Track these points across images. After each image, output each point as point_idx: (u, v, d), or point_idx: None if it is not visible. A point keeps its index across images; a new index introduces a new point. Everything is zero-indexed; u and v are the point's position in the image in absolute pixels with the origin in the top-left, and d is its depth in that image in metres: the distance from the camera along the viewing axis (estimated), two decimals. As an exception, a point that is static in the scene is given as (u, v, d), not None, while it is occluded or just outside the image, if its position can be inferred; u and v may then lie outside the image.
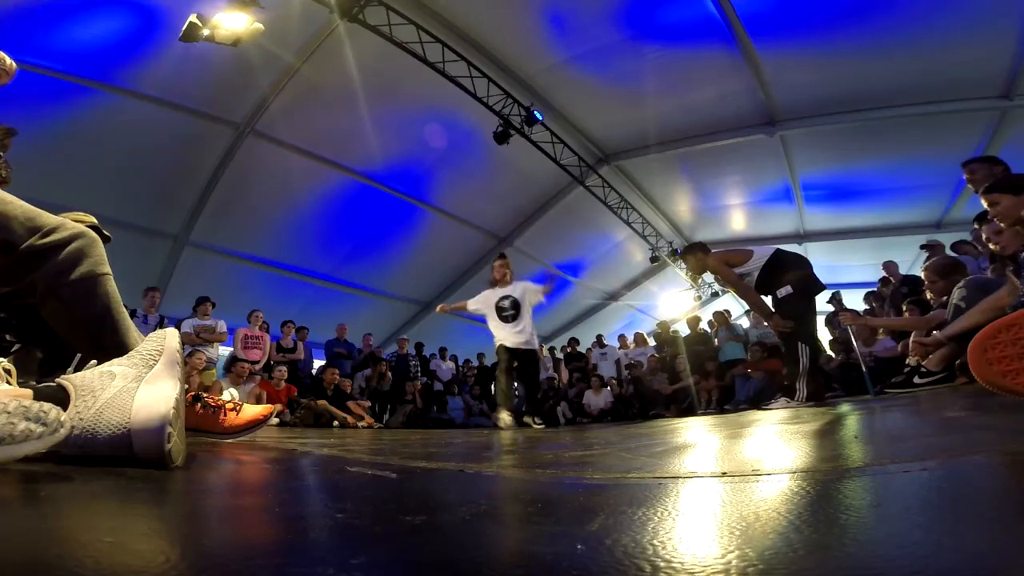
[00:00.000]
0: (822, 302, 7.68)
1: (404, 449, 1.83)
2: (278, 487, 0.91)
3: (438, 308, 5.83)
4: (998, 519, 0.45)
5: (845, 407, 2.84)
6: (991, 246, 2.71)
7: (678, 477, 0.86)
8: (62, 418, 0.70)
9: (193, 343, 6.01)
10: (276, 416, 5.40)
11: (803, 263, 4.08)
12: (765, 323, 7.51)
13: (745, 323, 8.53)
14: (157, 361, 0.89)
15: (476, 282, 10.48)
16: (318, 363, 8.00)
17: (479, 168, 8.39)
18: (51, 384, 0.83)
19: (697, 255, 4.32)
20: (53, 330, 1.23)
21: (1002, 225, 2.41)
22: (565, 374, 9.16)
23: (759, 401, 5.48)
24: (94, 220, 1.66)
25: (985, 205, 2.47)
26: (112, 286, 1.25)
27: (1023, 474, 0.68)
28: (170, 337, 0.94)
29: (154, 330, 0.97)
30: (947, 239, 5.87)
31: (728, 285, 4.28)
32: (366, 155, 7.70)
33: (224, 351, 6.95)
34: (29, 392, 0.80)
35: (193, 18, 5.03)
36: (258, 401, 5.63)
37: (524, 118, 7.20)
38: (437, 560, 0.40)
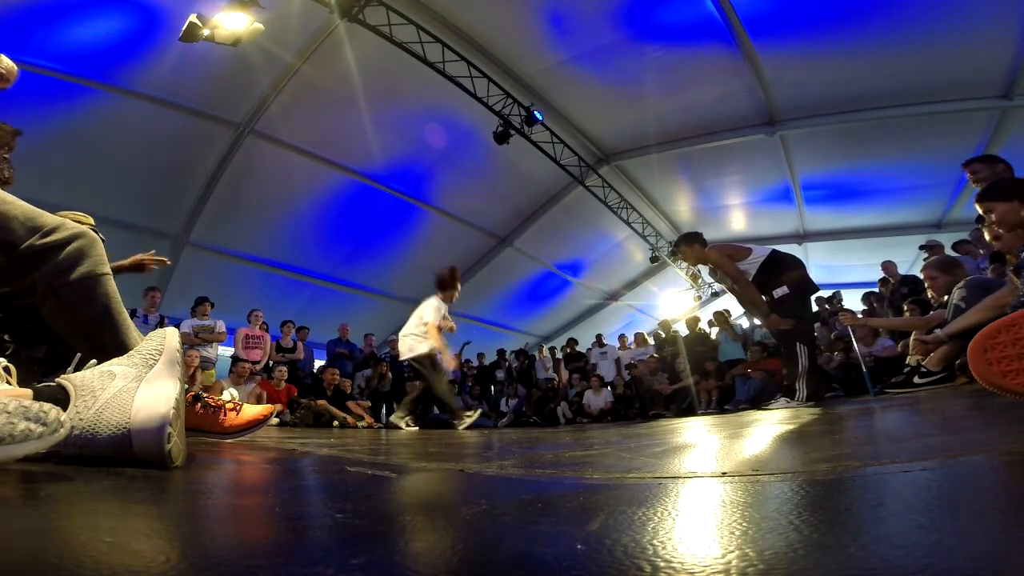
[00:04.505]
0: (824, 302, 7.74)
1: (404, 449, 1.83)
2: (278, 487, 0.91)
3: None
4: (998, 519, 0.45)
5: (845, 407, 2.84)
6: (995, 244, 2.70)
7: (678, 477, 0.86)
8: (62, 418, 0.70)
9: (192, 343, 6.01)
10: (276, 416, 5.39)
11: (799, 264, 4.07)
12: (759, 321, 7.55)
13: (745, 323, 8.53)
14: (157, 361, 0.89)
15: (476, 283, 10.49)
16: (319, 363, 8.01)
17: (479, 168, 8.39)
18: (51, 384, 0.83)
19: (694, 247, 4.26)
20: (53, 330, 1.23)
21: (1001, 231, 2.41)
22: (565, 374, 9.16)
23: (759, 401, 5.48)
24: (91, 221, 1.66)
25: (980, 212, 2.47)
26: (112, 286, 1.25)
27: (1023, 474, 0.68)
28: (170, 337, 0.94)
29: (154, 330, 0.97)
30: (947, 239, 5.88)
31: (728, 280, 4.22)
32: (366, 155, 7.70)
33: (223, 351, 6.95)
34: (29, 392, 0.80)
35: (193, 18, 5.03)
36: (258, 401, 5.63)
37: (524, 118, 7.19)
38: (437, 560, 0.40)
